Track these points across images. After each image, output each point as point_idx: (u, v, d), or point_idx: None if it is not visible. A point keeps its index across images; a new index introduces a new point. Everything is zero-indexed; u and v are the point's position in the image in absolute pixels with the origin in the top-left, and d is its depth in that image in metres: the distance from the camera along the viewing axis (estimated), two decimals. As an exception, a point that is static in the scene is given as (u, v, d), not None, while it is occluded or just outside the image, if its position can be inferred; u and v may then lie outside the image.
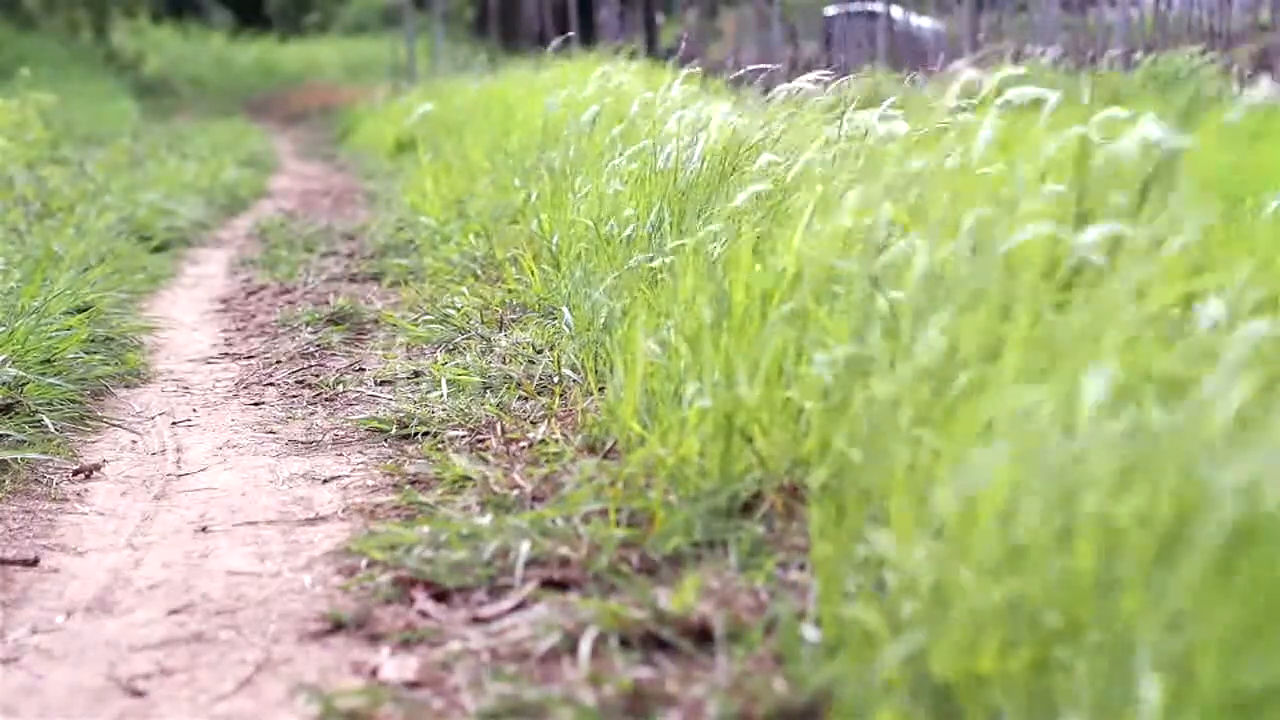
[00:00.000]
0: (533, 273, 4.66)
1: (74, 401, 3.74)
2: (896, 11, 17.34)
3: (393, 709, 2.00)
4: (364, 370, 4.08)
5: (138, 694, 2.11)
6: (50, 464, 3.29)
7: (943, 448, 1.91)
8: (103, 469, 3.28)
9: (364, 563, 2.56)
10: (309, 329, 4.70)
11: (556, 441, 3.10)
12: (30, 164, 8.12)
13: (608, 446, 3.01)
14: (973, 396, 1.94)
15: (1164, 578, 1.58)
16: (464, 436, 3.27)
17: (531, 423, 3.30)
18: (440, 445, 3.22)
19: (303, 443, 3.44)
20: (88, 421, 3.69)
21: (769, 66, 4.42)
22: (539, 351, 3.89)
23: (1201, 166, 2.32)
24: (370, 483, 3.07)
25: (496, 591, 2.39)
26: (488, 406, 3.43)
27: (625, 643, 2.14)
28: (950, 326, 2.06)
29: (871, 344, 2.19)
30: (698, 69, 5.42)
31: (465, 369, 3.78)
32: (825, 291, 2.59)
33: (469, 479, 2.93)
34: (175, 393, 4.05)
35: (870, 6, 17.85)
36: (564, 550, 2.47)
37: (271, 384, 4.07)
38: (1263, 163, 5.29)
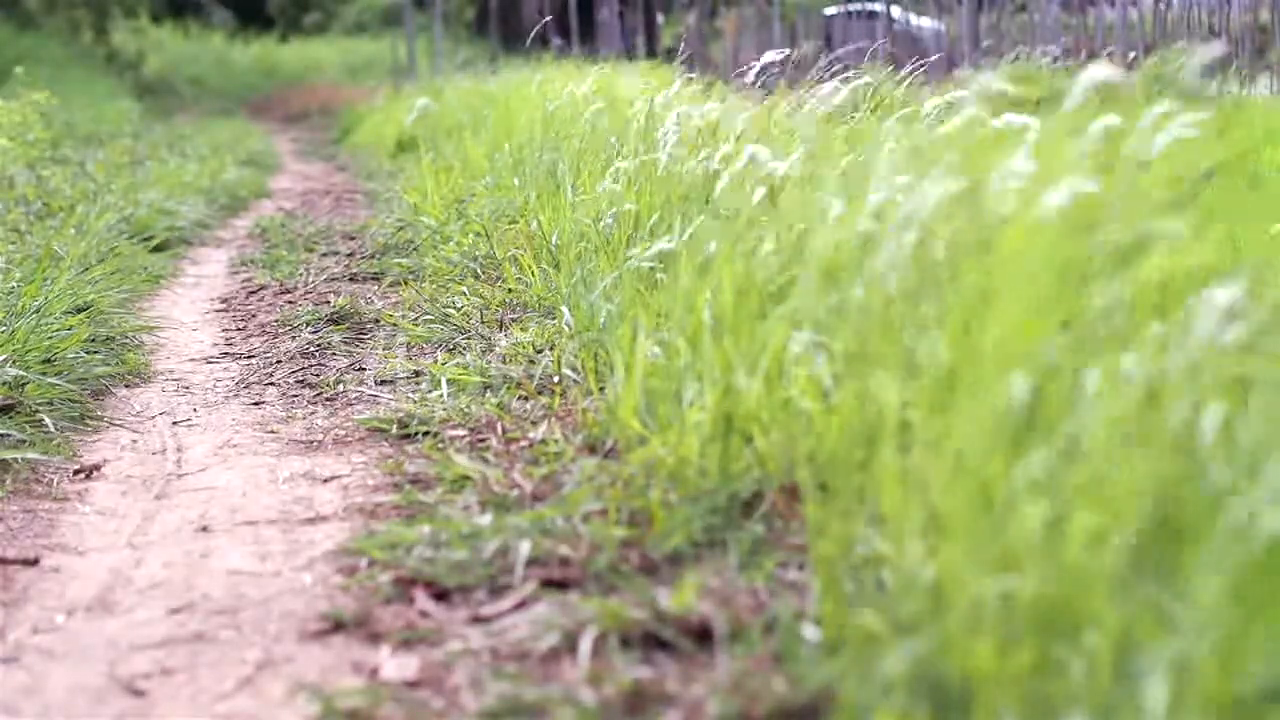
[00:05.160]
0: (533, 272, 4.67)
1: (74, 401, 3.74)
2: (896, 11, 17.35)
3: (393, 708, 2.00)
4: (364, 370, 4.09)
5: (138, 693, 2.11)
6: (51, 464, 3.29)
7: (937, 443, 1.91)
8: (103, 469, 3.28)
9: (364, 562, 2.56)
10: (309, 329, 4.70)
11: (556, 441, 3.10)
12: (31, 164, 8.13)
13: (608, 446, 3.01)
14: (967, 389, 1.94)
15: (1167, 578, 1.58)
16: (464, 436, 3.27)
17: (531, 422, 3.30)
18: (440, 445, 3.22)
19: (303, 442, 3.44)
20: (88, 421, 3.69)
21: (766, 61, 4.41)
22: (539, 351, 3.90)
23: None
24: (370, 482, 3.07)
25: (497, 591, 2.39)
26: (488, 406, 3.43)
27: (625, 642, 2.14)
28: (945, 319, 2.06)
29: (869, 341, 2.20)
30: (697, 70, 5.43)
31: (465, 369, 3.78)
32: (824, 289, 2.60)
33: (469, 478, 2.93)
34: (176, 392, 4.06)
35: (870, 6, 17.86)
36: (564, 550, 2.48)
37: (272, 384, 4.08)
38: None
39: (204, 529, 2.85)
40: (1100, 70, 2.19)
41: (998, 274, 2.02)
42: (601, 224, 4.17)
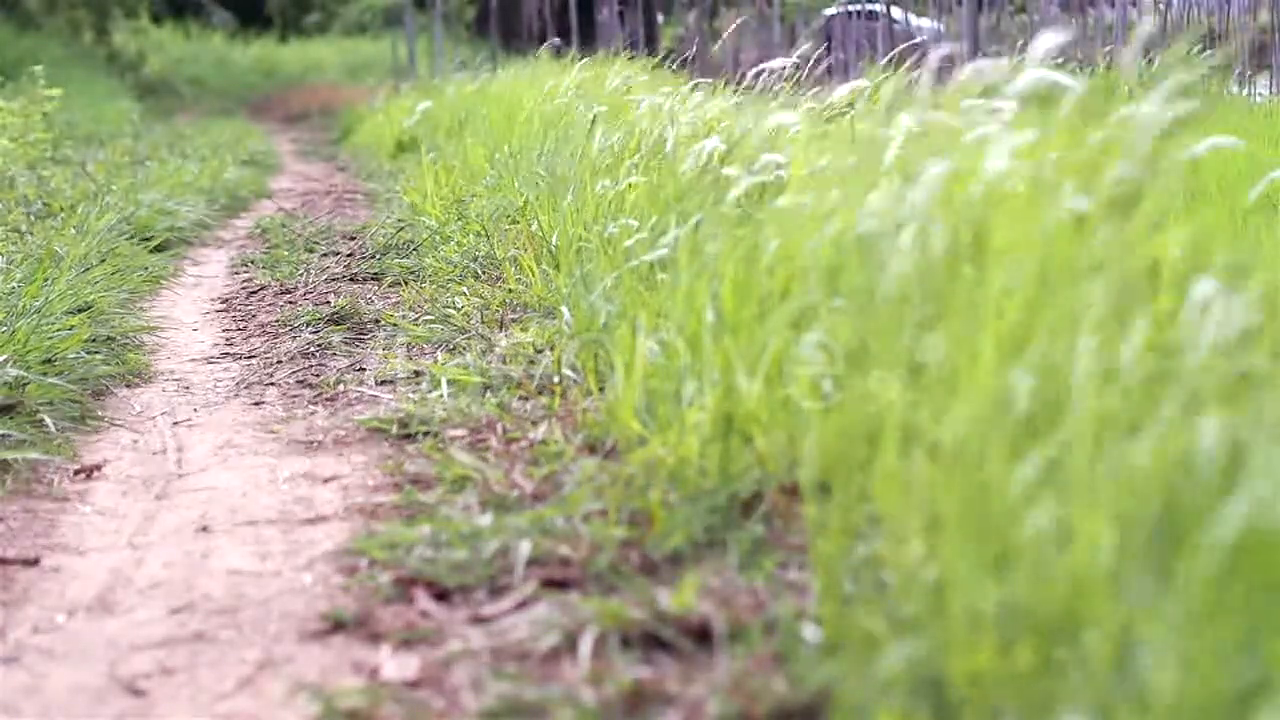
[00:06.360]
0: (533, 273, 4.67)
1: (75, 401, 3.74)
2: (896, 11, 17.35)
3: (393, 708, 2.00)
4: (365, 370, 4.09)
5: (138, 693, 2.11)
6: (51, 464, 3.29)
7: (937, 443, 1.91)
8: (104, 469, 3.28)
9: (365, 562, 2.56)
10: (310, 329, 4.70)
11: (556, 441, 3.10)
12: (32, 164, 8.13)
13: (608, 446, 3.01)
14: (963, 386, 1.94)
15: (1166, 579, 1.58)
16: (464, 436, 3.27)
17: (531, 422, 3.30)
18: (440, 445, 3.22)
19: (303, 442, 3.44)
20: (89, 421, 3.69)
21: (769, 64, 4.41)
22: (539, 351, 3.90)
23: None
24: (371, 482, 3.08)
25: (497, 591, 2.39)
26: (488, 406, 3.43)
27: (625, 642, 2.14)
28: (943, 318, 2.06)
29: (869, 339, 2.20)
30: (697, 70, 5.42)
31: (465, 369, 3.78)
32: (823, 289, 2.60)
33: (469, 478, 2.93)
34: (176, 392, 4.06)
35: (870, 6, 17.85)
36: (564, 550, 2.48)
37: (272, 384, 4.08)
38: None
39: (204, 529, 2.85)
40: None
41: (991, 268, 2.02)
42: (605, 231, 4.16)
